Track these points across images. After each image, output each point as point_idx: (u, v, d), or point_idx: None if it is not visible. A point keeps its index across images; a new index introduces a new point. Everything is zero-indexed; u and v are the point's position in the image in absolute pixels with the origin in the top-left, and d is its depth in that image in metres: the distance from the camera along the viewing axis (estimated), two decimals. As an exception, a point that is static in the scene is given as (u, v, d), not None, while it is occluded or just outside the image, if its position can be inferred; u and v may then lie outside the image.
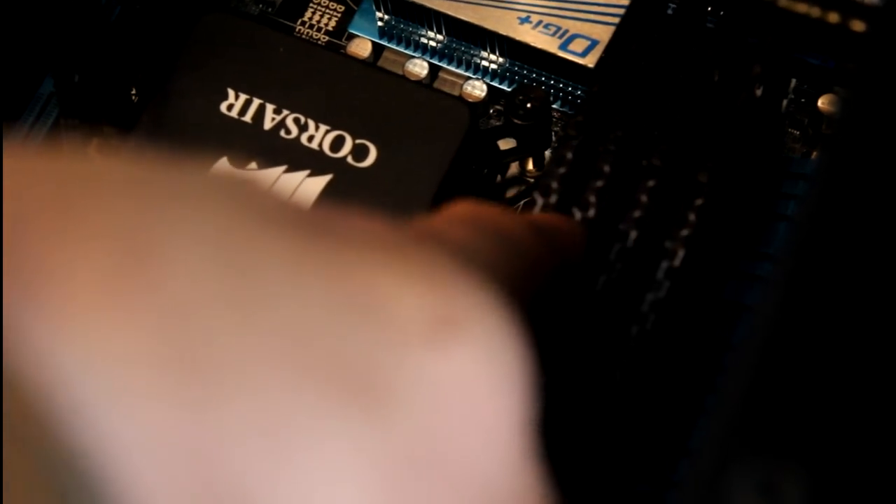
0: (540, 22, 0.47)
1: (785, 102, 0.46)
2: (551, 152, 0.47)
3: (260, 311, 0.21)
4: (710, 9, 0.42)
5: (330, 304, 0.22)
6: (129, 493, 0.20)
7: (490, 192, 0.47)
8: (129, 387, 0.20)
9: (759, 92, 0.40)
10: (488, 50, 0.48)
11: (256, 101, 0.45)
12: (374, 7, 0.49)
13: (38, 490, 0.19)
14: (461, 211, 0.28)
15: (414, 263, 0.23)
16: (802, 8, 0.40)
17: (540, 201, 0.38)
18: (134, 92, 0.48)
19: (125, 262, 0.21)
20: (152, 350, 0.20)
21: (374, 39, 0.49)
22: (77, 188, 0.21)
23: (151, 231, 0.21)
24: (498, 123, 0.47)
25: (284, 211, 0.23)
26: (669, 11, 0.42)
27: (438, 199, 0.44)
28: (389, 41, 0.49)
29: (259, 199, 0.23)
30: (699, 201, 0.38)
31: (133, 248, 0.21)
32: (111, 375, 0.20)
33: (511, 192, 0.47)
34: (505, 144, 0.46)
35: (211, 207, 0.22)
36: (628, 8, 0.46)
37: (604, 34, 0.46)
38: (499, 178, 0.47)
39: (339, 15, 0.50)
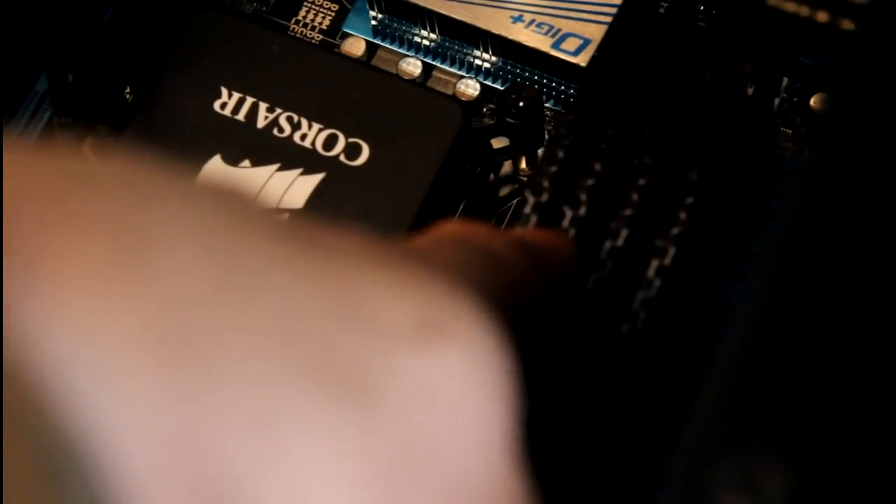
0: (532, 21, 0.47)
1: (777, 101, 0.46)
2: (543, 151, 0.47)
3: (251, 308, 0.22)
4: (701, 8, 0.43)
5: (319, 304, 0.23)
6: (122, 477, 0.20)
7: (483, 190, 0.47)
8: (122, 372, 0.20)
9: (750, 90, 0.40)
10: (481, 49, 0.48)
11: (250, 100, 0.45)
12: (367, 6, 0.49)
13: (35, 475, 0.19)
14: (447, 230, 0.29)
15: (401, 274, 0.24)
16: (791, 7, 0.40)
17: (531, 200, 0.38)
18: (128, 90, 0.48)
19: (121, 253, 0.21)
20: (147, 337, 0.21)
21: (367, 38, 0.49)
22: (76, 184, 0.22)
23: (146, 229, 0.21)
24: (491, 122, 0.47)
25: (272, 220, 0.23)
26: (661, 10, 0.42)
27: (431, 198, 0.44)
28: (383, 40, 0.49)
29: (249, 207, 0.23)
30: (690, 200, 0.38)
31: (129, 241, 0.21)
32: (105, 360, 0.20)
33: (504, 191, 0.48)
34: (498, 143, 0.46)
35: (202, 211, 0.22)
36: (620, 7, 0.46)
37: (596, 33, 0.46)
38: (492, 176, 0.47)
39: (333, 14, 0.50)
